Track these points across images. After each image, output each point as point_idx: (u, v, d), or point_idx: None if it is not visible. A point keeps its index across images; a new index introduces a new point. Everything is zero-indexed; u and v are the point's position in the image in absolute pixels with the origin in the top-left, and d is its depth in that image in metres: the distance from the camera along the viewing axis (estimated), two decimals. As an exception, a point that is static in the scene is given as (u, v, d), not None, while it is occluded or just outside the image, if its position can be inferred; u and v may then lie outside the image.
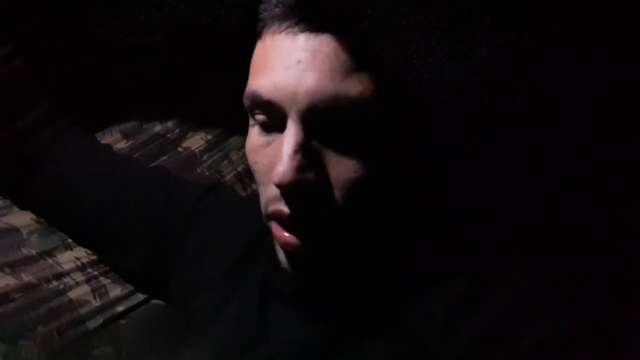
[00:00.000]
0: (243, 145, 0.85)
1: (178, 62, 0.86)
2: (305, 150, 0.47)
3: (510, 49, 0.56)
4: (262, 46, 0.50)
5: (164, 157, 0.82)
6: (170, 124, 0.85)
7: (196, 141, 0.84)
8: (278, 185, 0.47)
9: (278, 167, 0.46)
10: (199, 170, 0.83)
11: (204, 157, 0.84)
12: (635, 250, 0.63)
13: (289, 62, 0.47)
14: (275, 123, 0.49)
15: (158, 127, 0.84)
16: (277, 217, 0.49)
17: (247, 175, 0.85)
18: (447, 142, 0.56)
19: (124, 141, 0.82)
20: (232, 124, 0.86)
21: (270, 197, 0.50)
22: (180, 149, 0.83)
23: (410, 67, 0.50)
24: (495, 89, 0.55)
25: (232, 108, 0.86)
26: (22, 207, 0.73)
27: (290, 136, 0.46)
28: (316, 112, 0.46)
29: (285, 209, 0.48)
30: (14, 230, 0.72)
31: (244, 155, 0.85)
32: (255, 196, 0.83)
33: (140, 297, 0.73)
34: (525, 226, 0.63)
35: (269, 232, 0.54)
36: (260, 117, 0.50)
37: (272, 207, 0.50)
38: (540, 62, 0.61)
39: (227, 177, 0.84)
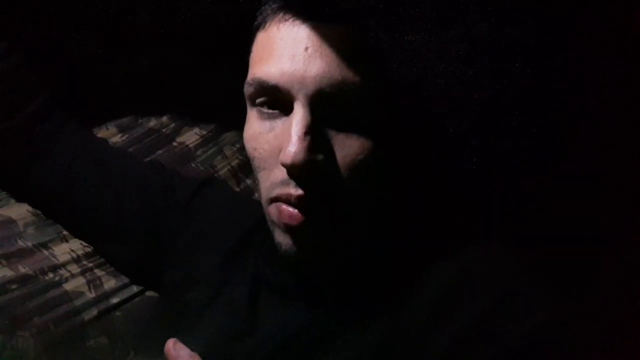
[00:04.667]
0: (237, 141, 0.87)
1: (173, 56, 0.87)
2: (314, 132, 0.48)
3: (508, 46, 0.58)
4: (265, 36, 0.52)
5: (159, 152, 0.83)
6: (165, 118, 0.86)
7: (191, 136, 0.85)
8: (289, 166, 0.48)
9: (289, 148, 0.47)
10: (193, 165, 0.84)
11: (198, 152, 0.85)
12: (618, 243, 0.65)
13: (296, 50, 0.49)
14: (280, 108, 0.51)
15: (153, 122, 0.85)
16: (284, 200, 0.50)
17: (241, 170, 0.86)
18: (444, 130, 0.58)
19: (119, 135, 0.83)
20: (226, 119, 0.87)
21: (275, 181, 0.51)
22: (175, 144, 0.84)
23: (411, 56, 0.52)
24: (490, 82, 0.57)
25: (227, 103, 0.88)
26: (20, 199, 0.74)
27: (299, 119, 0.48)
28: (323, 96, 0.48)
29: (294, 191, 0.49)
30: (10, 222, 0.72)
31: (238, 150, 0.86)
32: (249, 191, 0.85)
33: (135, 289, 0.75)
34: (512, 218, 0.65)
35: (264, 222, 0.55)
36: (263, 104, 0.52)
37: (279, 191, 0.50)
38: (536, 57, 0.63)
39: (221, 172, 0.85)
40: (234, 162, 0.86)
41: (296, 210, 0.50)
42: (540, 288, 0.51)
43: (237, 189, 0.85)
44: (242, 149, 0.86)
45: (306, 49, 0.49)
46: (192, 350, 0.58)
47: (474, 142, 0.61)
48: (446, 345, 0.48)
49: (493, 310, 0.49)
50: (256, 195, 0.84)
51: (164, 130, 0.85)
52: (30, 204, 0.74)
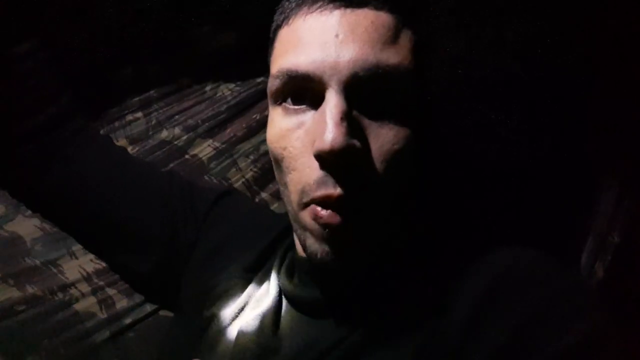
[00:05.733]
0: (251, 153, 0.84)
1: (186, 63, 0.85)
2: (349, 119, 0.46)
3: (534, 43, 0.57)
4: (288, 31, 0.50)
5: (172, 164, 0.80)
6: (177, 130, 0.83)
7: (204, 148, 0.82)
8: (328, 152, 0.45)
9: (326, 135, 0.45)
10: (206, 178, 0.81)
11: (212, 165, 0.82)
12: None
13: (326, 37, 0.47)
14: (308, 101, 0.49)
15: (165, 133, 0.82)
16: (322, 201, 0.47)
17: (256, 183, 0.83)
18: (474, 123, 0.57)
19: (130, 147, 0.80)
20: (241, 130, 0.85)
21: (309, 182, 0.48)
22: (187, 156, 0.82)
23: (444, 41, 0.51)
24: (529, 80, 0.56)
25: (240, 112, 0.86)
26: (33, 207, 0.71)
27: (333, 105, 0.46)
28: (357, 81, 0.46)
29: (333, 190, 0.46)
30: (17, 238, 0.70)
31: (252, 163, 0.83)
32: (264, 204, 0.83)
33: (148, 308, 0.72)
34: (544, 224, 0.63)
35: (285, 235, 0.52)
36: (289, 98, 0.50)
37: (316, 193, 0.47)
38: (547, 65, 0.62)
39: (235, 185, 0.82)
40: (248, 175, 0.83)
41: (334, 213, 0.46)
42: (581, 294, 0.48)
43: (252, 203, 0.82)
44: (257, 161, 0.84)
45: (337, 35, 0.47)
46: None
47: (507, 141, 0.60)
48: (486, 358, 0.45)
49: (534, 319, 0.46)
50: (272, 207, 0.81)
51: (176, 142, 0.82)
52: (44, 214, 0.71)
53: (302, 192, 0.48)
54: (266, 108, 0.84)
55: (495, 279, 0.49)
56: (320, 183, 0.47)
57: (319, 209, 0.47)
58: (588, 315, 0.46)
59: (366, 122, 0.47)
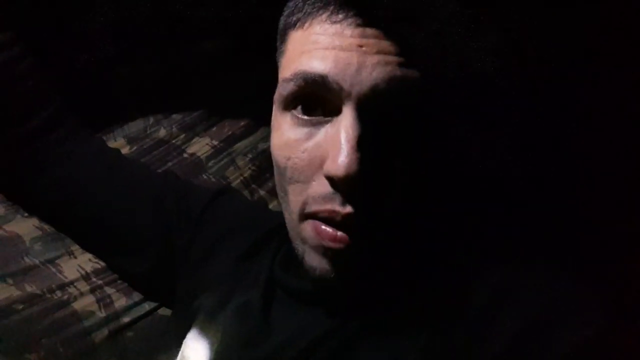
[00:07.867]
0: (250, 151, 0.84)
1: (182, 61, 0.84)
2: (365, 143, 0.44)
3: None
4: (304, 34, 0.48)
5: (170, 163, 0.80)
6: (175, 128, 0.83)
7: (202, 147, 0.83)
8: (342, 178, 0.43)
9: (340, 159, 0.42)
10: (204, 177, 0.81)
11: (210, 163, 0.82)
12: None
13: (350, 45, 0.44)
14: (323, 110, 0.46)
15: (163, 132, 0.83)
16: (325, 218, 0.45)
17: (255, 181, 0.83)
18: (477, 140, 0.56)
19: (128, 147, 0.80)
20: (239, 128, 0.85)
21: (314, 195, 0.46)
22: (185, 155, 0.82)
23: (449, 62, 0.49)
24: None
25: (239, 111, 0.86)
26: (29, 210, 0.71)
27: (350, 125, 0.43)
28: (377, 95, 0.44)
29: (340, 208, 0.44)
30: (16, 238, 0.70)
31: (250, 161, 0.84)
32: (263, 201, 0.83)
33: (147, 307, 0.72)
34: (551, 228, 0.63)
35: (280, 228, 0.52)
36: (300, 107, 0.47)
37: (319, 207, 0.45)
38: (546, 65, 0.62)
39: (234, 184, 0.82)
40: (247, 173, 0.83)
41: (339, 232, 0.45)
42: (588, 297, 0.48)
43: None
44: (255, 159, 0.84)
45: (360, 46, 0.44)
46: (204, 356, 0.55)
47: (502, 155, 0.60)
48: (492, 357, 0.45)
49: (541, 320, 0.46)
50: (271, 206, 0.81)
51: (174, 141, 0.82)
52: (40, 216, 0.71)
53: (305, 203, 0.47)
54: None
55: (500, 283, 0.49)
56: (327, 198, 0.45)
57: (322, 227, 0.46)
58: (596, 315, 0.46)
59: (378, 146, 0.45)
